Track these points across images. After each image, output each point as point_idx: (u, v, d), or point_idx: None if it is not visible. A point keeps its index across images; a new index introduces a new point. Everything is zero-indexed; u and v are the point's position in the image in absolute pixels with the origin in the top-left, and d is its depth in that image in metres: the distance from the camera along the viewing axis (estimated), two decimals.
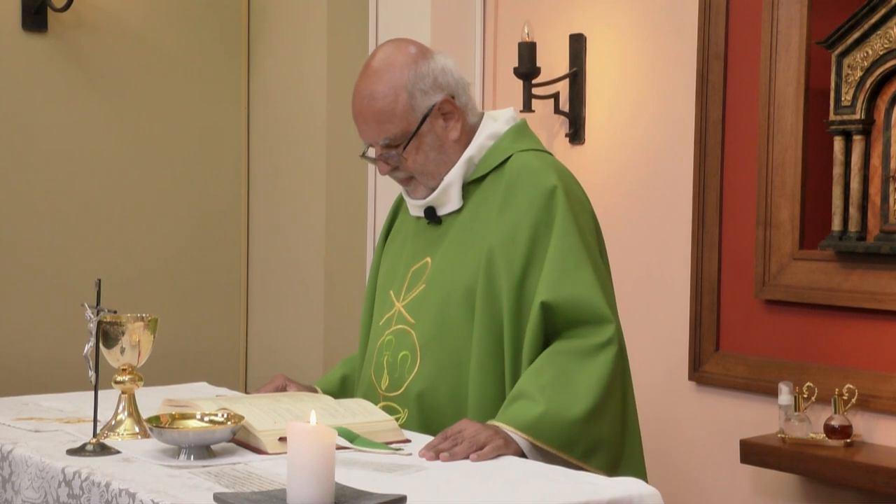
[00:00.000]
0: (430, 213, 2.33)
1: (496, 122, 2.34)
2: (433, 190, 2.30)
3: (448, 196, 2.29)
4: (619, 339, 2.14)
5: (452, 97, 2.29)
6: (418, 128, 2.25)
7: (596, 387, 2.07)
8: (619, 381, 2.14)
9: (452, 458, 1.91)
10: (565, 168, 2.31)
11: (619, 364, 2.14)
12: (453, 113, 2.29)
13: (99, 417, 1.94)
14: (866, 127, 2.79)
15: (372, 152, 2.33)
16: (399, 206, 2.50)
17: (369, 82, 2.27)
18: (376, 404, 2.25)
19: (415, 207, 2.36)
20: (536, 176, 2.22)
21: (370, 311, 2.46)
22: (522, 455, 2.00)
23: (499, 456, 1.95)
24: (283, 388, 2.37)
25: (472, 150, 2.29)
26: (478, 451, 1.93)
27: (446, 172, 2.29)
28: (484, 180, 2.29)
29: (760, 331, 3.07)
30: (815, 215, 2.96)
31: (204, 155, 4.43)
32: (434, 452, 1.92)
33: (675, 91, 3.28)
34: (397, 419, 2.19)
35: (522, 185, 2.22)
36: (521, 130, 2.34)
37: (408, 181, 2.32)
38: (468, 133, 2.31)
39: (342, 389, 2.45)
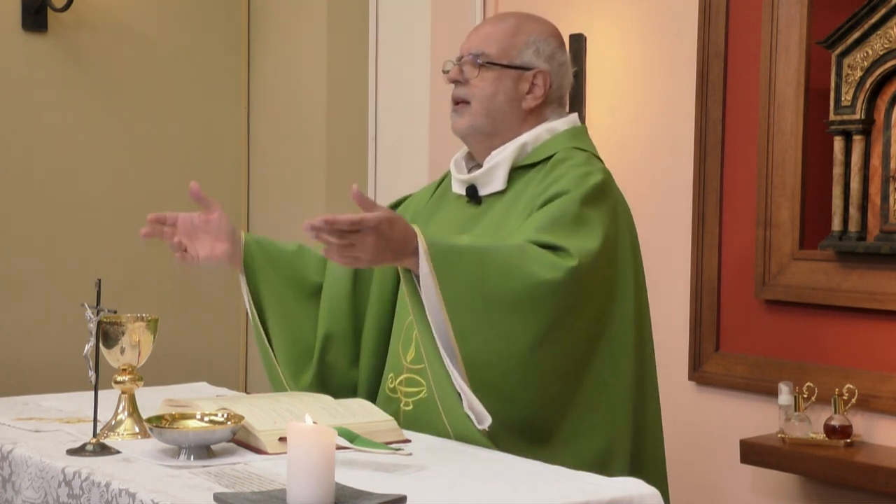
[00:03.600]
0: (472, 191, 2.33)
1: (558, 121, 2.36)
2: (474, 131, 2.31)
3: (493, 175, 2.30)
4: (573, 277, 2.06)
5: (551, 84, 2.33)
6: (508, 66, 2.30)
7: (509, 277, 2.03)
8: (535, 305, 2.05)
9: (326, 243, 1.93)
10: (612, 176, 2.31)
11: (548, 291, 2.05)
12: (541, 89, 2.32)
13: (99, 417, 1.93)
14: (866, 127, 2.79)
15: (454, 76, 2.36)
16: (440, 183, 2.50)
17: (510, 12, 2.42)
18: (400, 376, 2.26)
19: (458, 184, 2.37)
20: (581, 166, 2.24)
21: None
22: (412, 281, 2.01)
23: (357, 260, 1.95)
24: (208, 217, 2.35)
25: (528, 137, 2.31)
26: (349, 253, 1.93)
27: (496, 129, 2.31)
28: (531, 169, 2.29)
29: (760, 331, 3.07)
30: (815, 215, 2.96)
31: (204, 155, 4.43)
32: (319, 232, 1.92)
33: (675, 91, 3.28)
34: (419, 391, 2.20)
35: (564, 169, 2.22)
36: (579, 133, 2.35)
37: (460, 106, 2.33)
38: (536, 118, 2.33)
39: (298, 257, 2.45)
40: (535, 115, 2.33)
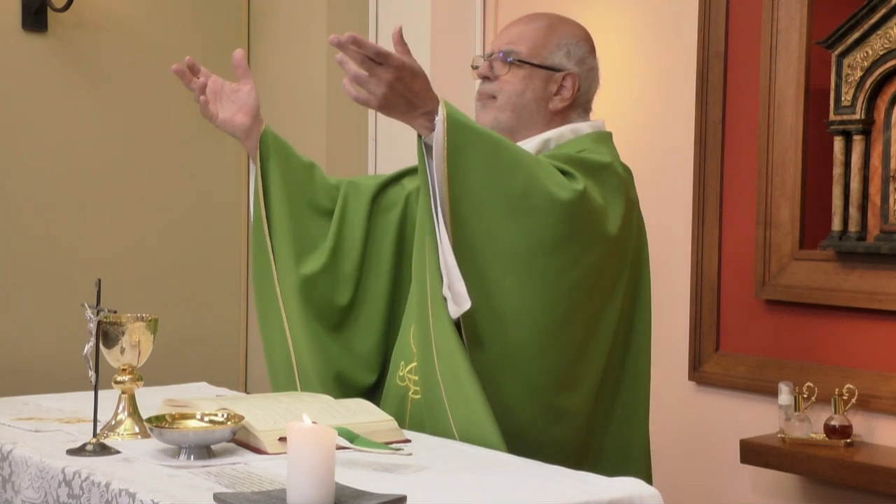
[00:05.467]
0: None
1: (583, 123, 2.36)
2: (498, 126, 2.30)
3: None
4: (578, 201, 2.04)
5: (580, 87, 2.33)
6: (539, 65, 2.30)
7: (527, 176, 2.01)
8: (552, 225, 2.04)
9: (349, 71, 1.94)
10: (633, 180, 2.29)
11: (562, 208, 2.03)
12: (569, 92, 2.33)
13: (99, 417, 1.93)
14: (866, 127, 2.79)
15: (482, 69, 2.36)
16: None
17: (543, 13, 2.40)
18: (409, 364, 2.26)
19: None
20: (603, 156, 2.23)
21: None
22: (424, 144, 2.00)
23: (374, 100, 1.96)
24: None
25: (552, 134, 2.31)
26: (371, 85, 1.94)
27: (520, 126, 2.31)
28: None
29: (760, 331, 3.07)
30: (815, 215, 2.96)
31: (204, 154, 4.43)
32: (343, 48, 1.92)
33: (675, 91, 3.28)
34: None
35: (579, 156, 2.22)
36: (603, 137, 2.35)
37: (487, 100, 2.33)
38: (561, 120, 2.34)
39: (310, 171, 2.45)
40: (561, 116, 2.34)
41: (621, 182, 2.22)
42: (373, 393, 2.38)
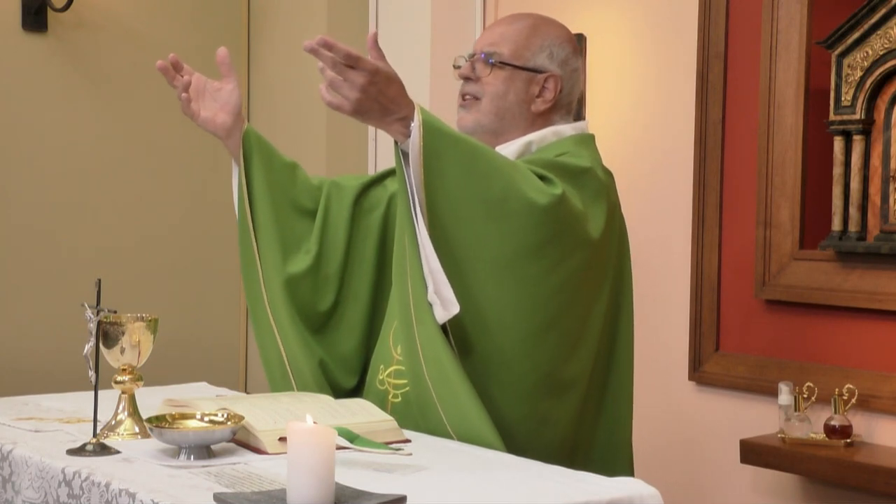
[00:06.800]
0: None
1: (565, 126, 2.35)
2: (480, 129, 2.29)
3: None
4: (556, 205, 2.03)
5: (562, 89, 2.32)
6: (521, 67, 2.29)
7: (501, 180, 2.00)
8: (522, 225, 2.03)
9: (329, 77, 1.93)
10: (614, 183, 2.28)
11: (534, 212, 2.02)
12: (551, 93, 2.31)
13: (99, 417, 1.93)
14: (866, 127, 2.79)
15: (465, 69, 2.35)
16: None
17: (526, 13, 2.39)
18: (389, 367, 2.25)
19: None
20: (584, 159, 2.22)
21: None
22: (401, 153, 1.99)
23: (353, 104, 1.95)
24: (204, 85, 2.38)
25: (534, 136, 2.30)
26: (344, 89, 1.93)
27: (502, 128, 2.30)
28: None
29: (760, 331, 3.07)
30: (815, 215, 2.96)
31: (204, 155, 4.42)
32: (315, 52, 1.91)
33: (675, 91, 3.28)
34: (406, 384, 2.18)
35: (563, 159, 2.21)
36: (586, 140, 2.34)
37: (469, 102, 2.32)
38: (543, 122, 2.33)
39: (292, 171, 2.43)
40: (543, 118, 2.32)
41: (602, 186, 2.21)
42: (352, 396, 2.38)
